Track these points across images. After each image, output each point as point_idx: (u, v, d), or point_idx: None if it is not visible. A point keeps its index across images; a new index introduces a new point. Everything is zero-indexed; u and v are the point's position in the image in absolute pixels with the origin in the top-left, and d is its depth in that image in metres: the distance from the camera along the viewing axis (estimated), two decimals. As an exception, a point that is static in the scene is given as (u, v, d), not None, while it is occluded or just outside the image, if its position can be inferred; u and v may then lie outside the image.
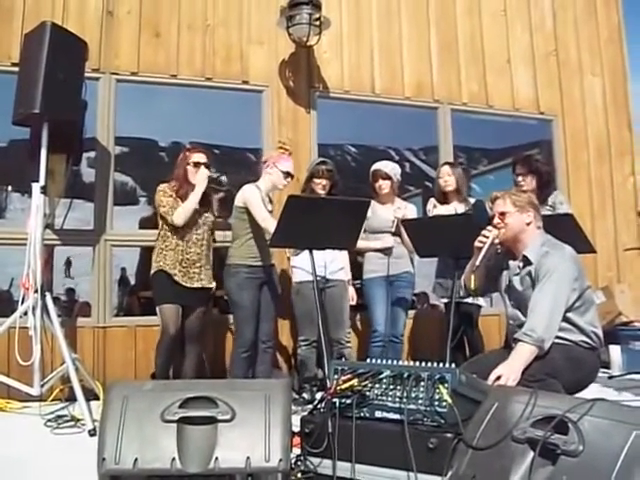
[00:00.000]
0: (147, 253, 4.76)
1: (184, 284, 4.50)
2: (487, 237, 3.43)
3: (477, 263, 3.48)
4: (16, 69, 4.63)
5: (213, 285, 4.73)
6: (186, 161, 4.64)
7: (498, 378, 2.98)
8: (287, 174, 4.76)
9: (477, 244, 3.48)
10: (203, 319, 4.68)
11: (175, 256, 4.51)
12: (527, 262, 3.37)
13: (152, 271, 4.58)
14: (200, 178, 4.55)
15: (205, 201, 4.67)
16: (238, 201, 4.66)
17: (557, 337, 3.18)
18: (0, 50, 5.16)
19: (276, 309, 4.87)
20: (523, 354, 3.10)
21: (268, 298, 4.70)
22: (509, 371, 3.01)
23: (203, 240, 4.61)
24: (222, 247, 5.01)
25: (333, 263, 4.90)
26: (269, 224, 4.34)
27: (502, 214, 3.43)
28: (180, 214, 4.47)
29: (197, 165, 4.60)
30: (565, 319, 3.22)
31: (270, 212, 4.72)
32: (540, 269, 3.27)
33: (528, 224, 3.42)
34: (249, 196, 4.62)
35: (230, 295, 4.67)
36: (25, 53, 4.53)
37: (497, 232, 3.43)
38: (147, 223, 5.87)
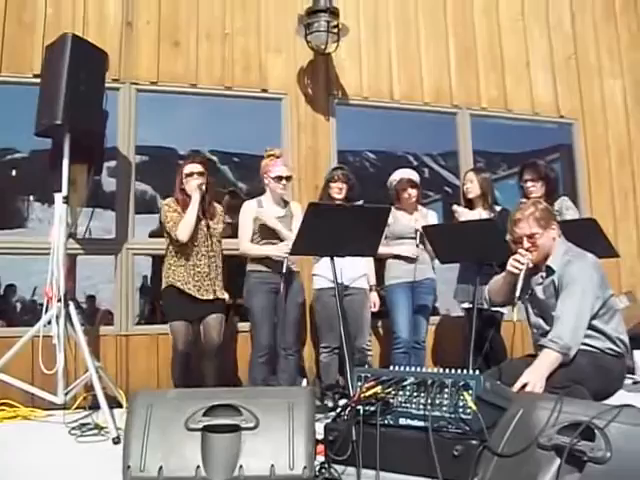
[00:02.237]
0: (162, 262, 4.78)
1: (200, 297, 4.53)
2: (522, 263, 3.30)
3: (517, 294, 3.30)
4: (38, 80, 4.70)
5: (225, 296, 4.73)
6: (181, 173, 4.66)
7: (524, 386, 2.95)
8: (279, 178, 4.79)
9: (511, 269, 3.35)
10: (221, 326, 4.67)
11: (187, 272, 4.54)
12: (550, 271, 3.33)
13: (163, 286, 4.62)
14: (191, 189, 4.57)
15: (210, 212, 4.68)
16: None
17: (583, 344, 3.15)
18: (22, 62, 5.21)
19: (297, 316, 4.84)
20: (549, 361, 3.06)
21: (286, 304, 4.67)
22: (535, 378, 2.98)
23: (212, 252, 4.62)
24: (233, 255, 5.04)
25: (352, 270, 4.86)
26: (242, 247, 4.76)
27: (531, 237, 3.32)
28: (182, 230, 4.49)
29: (189, 176, 4.61)
30: (590, 326, 3.18)
31: (285, 217, 4.81)
32: (563, 278, 3.24)
33: (554, 238, 3.37)
34: (240, 214, 4.82)
35: (244, 300, 4.75)
36: (47, 65, 4.59)
37: (531, 256, 3.32)
38: (156, 235, 5.89)
